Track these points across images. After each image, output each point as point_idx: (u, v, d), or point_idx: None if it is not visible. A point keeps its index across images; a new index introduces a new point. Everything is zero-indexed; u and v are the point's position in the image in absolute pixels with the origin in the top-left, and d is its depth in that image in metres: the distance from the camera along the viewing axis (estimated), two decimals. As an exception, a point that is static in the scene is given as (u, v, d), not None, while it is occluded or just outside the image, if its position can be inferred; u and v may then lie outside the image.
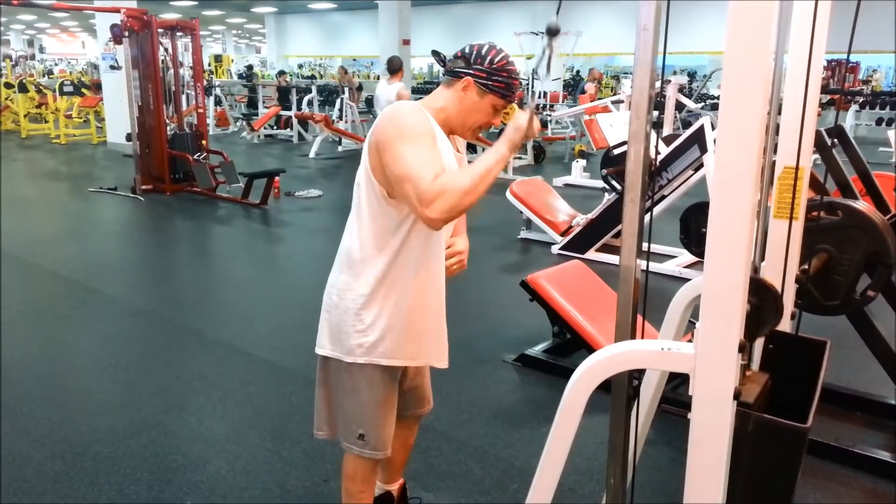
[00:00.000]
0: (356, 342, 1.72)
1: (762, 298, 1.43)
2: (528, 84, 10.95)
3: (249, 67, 22.92)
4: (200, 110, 8.48)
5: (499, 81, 1.65)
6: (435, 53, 1.79)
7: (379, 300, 1.70)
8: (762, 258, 2.00)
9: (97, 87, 13.08)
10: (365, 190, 1.67)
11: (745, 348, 1.26)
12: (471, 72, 1.65)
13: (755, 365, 1.70)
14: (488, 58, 1.65)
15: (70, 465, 2.53)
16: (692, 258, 4.91)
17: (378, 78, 15.53)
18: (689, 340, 1.30)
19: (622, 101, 9.19)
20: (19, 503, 2.32)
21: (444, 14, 25.56)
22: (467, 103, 1.67)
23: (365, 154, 1.65)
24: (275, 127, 13.82)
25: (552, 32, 1.62)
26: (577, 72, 21.45)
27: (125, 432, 2.76)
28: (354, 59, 30.58)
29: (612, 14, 20.83)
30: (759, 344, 1.83)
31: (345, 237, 1.76)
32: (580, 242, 5.44)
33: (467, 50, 1.68)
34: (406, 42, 14.55)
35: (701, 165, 4.90)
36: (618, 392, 1.46)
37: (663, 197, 5.14)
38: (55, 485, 2.42)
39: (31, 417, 2.88)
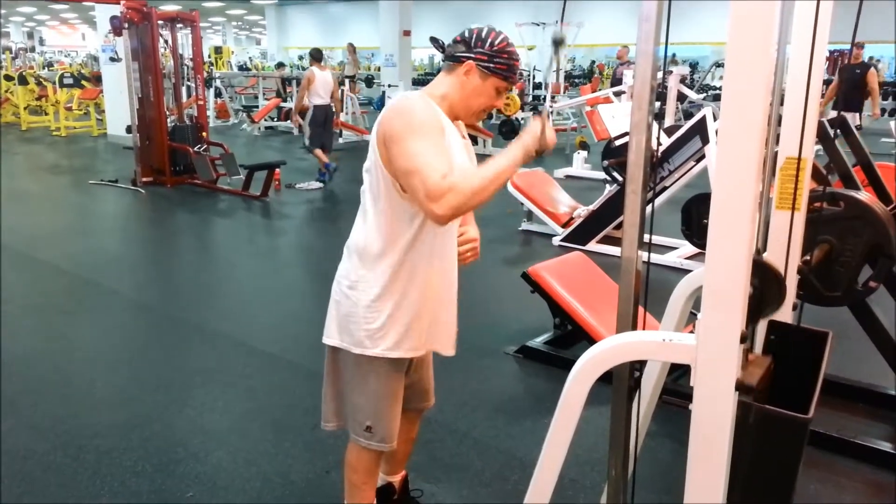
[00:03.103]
0: (366, 334, 1.72)
1: (765, 281, 1.42)
2: (529, 76, 10.89)
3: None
4: (201, 102, 8.46)
5: (500, 63, 1.66)
6: (433, 40, 1.79)
7: (391, 293, 1.70)
8: (764, 249, 1.99)
9: (97, 79, 13.06)
10: (376, 182, 1.66)
11: (745, 338, 1.26)
12: (472, 55, 1.66)
13: (758, 351, 1.69)
14: (489, 40, 1.66)
15: (73, 457, 2.54)
16: (693, 249, 4.90)
17: (379, 69, 15.48)
18: (691, 332, 1.30)
19: (624, 92, 9.15)
20: (23, 496, 2.34)
21: (445, 5, 25.46)
22: (470, 87, 1.67)
23: (374, 147, 1.64)
24: (275, 119, 13.79)
25: (558, 42, 1.66)
26: (593, 62, 21.26)
27: (127, 425, 2.77)
28: (355, 51, 30.47)
29: (613, 5, 20.73)
30: (761, 330, 1.83)
31: (356, 227, 1.75)
32: (581, 234, 5.43)
33: (467, 34, 1.69)
34: (407, 33, 14.50)
35: (703, 156, 4.88)
36: (619, 383, 1.46)
37: (665, 188, 5.12)
38: (58, 477, 2.43)
39: (34, 411, 2.89)
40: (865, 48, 18.40)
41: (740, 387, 1.26)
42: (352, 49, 14.45)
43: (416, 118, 1.57)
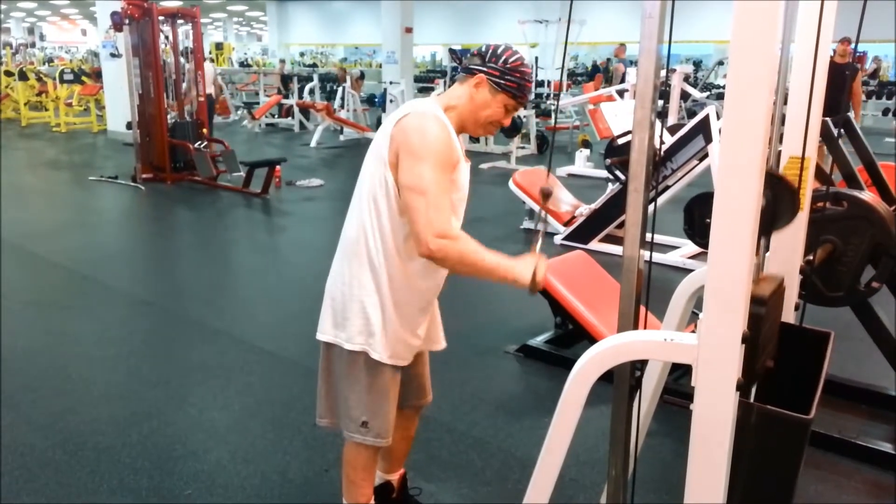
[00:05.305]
0: (359, 331, 1.72)
1: (777, 193, 1.42)
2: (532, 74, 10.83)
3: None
4: (201, 99, 8.44)
5: (511, 81, 1.67)
6: (452, 52, 1.81)
7: (387, 294, 1.71)
8: (767, 249, 1.98)
9: (97, 75, 13.03)
10: (379, 182, 1.66)
11: (747, 339, 1.25)
12: (484, 69, 1.68)
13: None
14: (503, 57, 1.68)
15: (71, 454, 2.54)
16: (695, 249, 4.89)
17: (380, 66, 15.50)
18: (692, 331, 1.29)
19: (627, 91, 9.15)
20: (21, 493, 2.33)
21: (447, 3, 25.39)
22: (479, 100, 1.69)
23: (384, 148, 1.64)
24: (276, 116, 13.79)
25: (546, 195, 1.83)
26: (598, 62, 21.19)
27: (126, 422, 2.76)
28: (357, 48, 30.45)
29: (616, 2, 20.69)
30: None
31: (350, 224, 1.74)
32: (583, 233, 5.42)
33: (483, 48, 1.72)
34: (408, 30, 14.48)
35: (706, 155, 4.87)
36: (620, 383, 1.45)
37: (667, 187, 5.12)
38: (56, 474, 2.42)
39: (33, 407, 2.88)
40: (870, 47, 18.36)
41: (741, 387, 1.25)
42: (343, 71, 14.73)
43: (437, 145, 1.59)
